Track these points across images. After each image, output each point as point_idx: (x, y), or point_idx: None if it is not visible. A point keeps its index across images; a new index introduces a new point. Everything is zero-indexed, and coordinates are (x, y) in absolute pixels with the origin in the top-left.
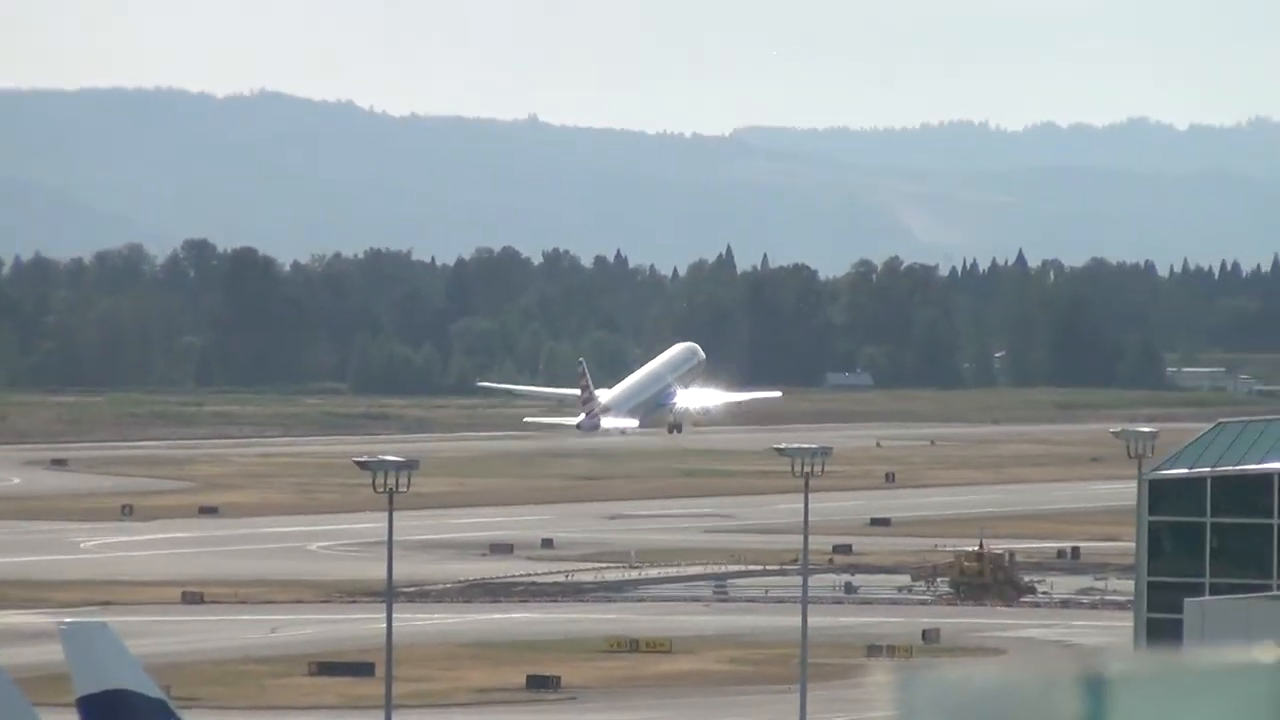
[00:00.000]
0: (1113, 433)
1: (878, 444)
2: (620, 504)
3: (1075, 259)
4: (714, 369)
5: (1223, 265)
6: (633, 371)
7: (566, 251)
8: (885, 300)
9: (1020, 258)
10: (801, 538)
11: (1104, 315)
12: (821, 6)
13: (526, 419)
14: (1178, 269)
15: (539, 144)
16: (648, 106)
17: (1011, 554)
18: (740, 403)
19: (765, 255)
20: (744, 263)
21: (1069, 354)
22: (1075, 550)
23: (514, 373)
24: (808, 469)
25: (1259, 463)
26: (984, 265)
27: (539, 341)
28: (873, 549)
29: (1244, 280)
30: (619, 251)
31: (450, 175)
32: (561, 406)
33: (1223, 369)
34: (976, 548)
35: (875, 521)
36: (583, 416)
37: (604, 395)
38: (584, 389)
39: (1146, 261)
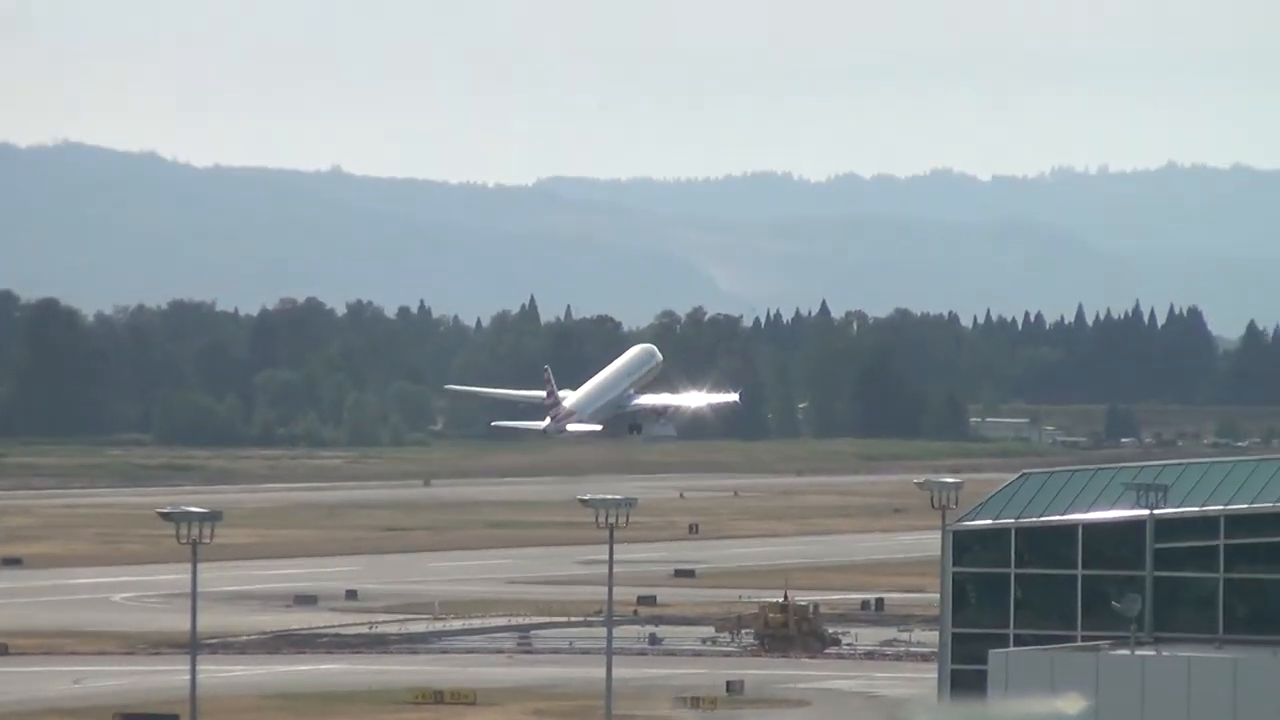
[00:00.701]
0: (917, 483)
1: (681, 495)
2: (424, 555)
3: (879, 309)
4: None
5: (1026, 316)
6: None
7: (370, 302)
8: (689, 351)
9: (824, 308)
10: (606, 589)
11: (908, 366)
12: (624, 57)
13: (494, 423)
14: (981, 319)
15: (342, 194)
16: (451, 157)
17: (816, 605)
18: (703, 406)
19: (569, 306)
20: (548, 313)
21: (873, 404)
22: (880, 601)
23: (317, 424)
24: (612, 520)
25: (1063, 514)
26: (787, 316)
27: (343, 392)
28: (677, 600)
29: (1047, 331)
30: (422, 302)
31: (254, 226)
32: (524, 410)
33: (1026, 419)
34: (781, 599)
35: (680, 573)
36: (549, 420)
37: (568, 400)
38: (550, 394)
39: (950, 312)
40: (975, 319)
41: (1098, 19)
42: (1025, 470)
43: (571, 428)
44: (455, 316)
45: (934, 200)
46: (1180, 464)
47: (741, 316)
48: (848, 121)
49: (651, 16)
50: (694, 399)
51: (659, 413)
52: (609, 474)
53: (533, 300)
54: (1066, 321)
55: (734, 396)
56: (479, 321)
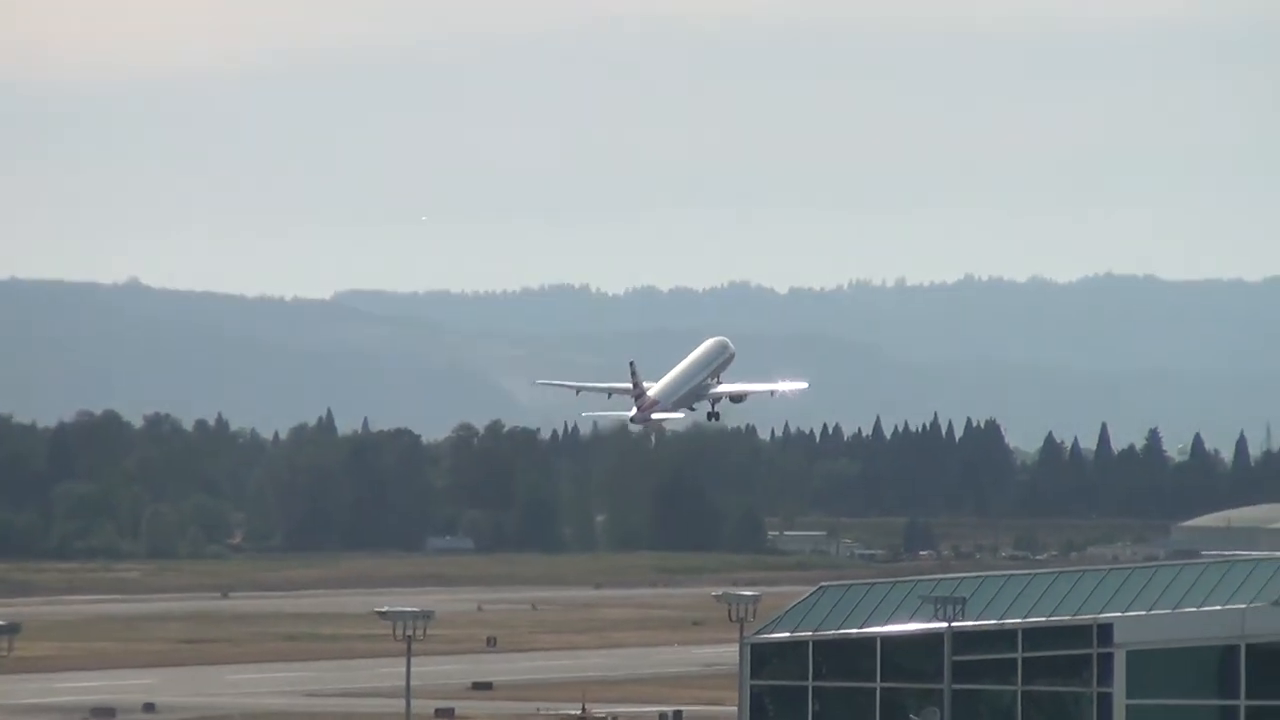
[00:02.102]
0: (714, 596)
1: (479, 608)
2: (223, 667)
3: (677, 422)
4: (314, 533)
5: (824, 428)
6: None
7: (168, 415)
8: (487, 464)
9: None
10: (404, 701)
11: (706, 479)
12: (419, 170)
13: (585, 414)
14: (779, 432)
15: (140, 307)
16: (249, 270)
17: (614, 718)
18: (770, 392)
19: (366, 419)
20: (345, 426)
21: (671, 517)
22: (678, 714)
23: (115, 537)
24: (409, 632)
25: (861, 626)
26: (585, 429)
27: (141, 505)
28: (475, 713)
29: (845, 443)
30: (220, 415)
31: (51, 338)
32: (612, 400)
33: (824, 532)
34: (579, 712)
35: (477, 685)
36: (635, 410)
37: (652, 390)
38: (636, 385)
39: (748, 424)
40: (773, 432)
41: (893, 135)
42: (823, 583)
43: (656, 416)
44: (253, 430)
45: (732, 312)
46: (978, 576)
47: (539, 429)
48: (645, 234)
49: (449, 130)
50: (766, 386)
51: (735, 399)
52: (407, 587)
53: (330, 413)
54: (864, 434)
55: (803, 384)
56: (276, 434)
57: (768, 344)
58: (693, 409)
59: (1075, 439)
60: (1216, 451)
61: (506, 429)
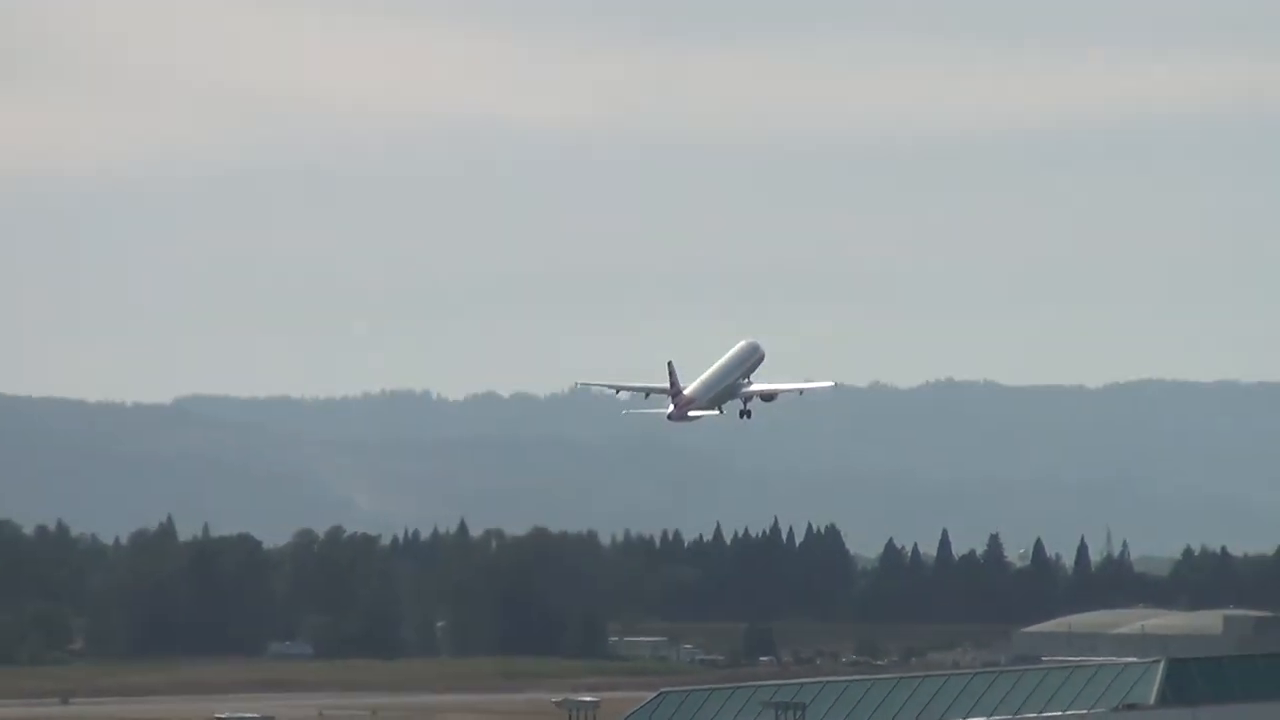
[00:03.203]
0: (554, 702)
1: (320, 714)
2: None
3: (518, 528)
4: (155, 638)
5: (664, 534)
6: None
7: (7, 520)
8: (327, 569)
9: (462, 526)
10: None
11: (547, 584)
12: (255, 275)
13: (625, 411)
14: (620, 538)
15: None
16: (89, 374)
17: None
18: (799, 390)
19: (206, 524)
20: (186, 532)
21: (512, 623)
22: None
23: None
24: None
25: None
26: (426, 534)
27: None
28: None
29: (686, 549)
30: (60, 520)
31: None
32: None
33: (665, 638)
34: None
35: None
36: (672, 408)
37: (689, 389)
38: (673, 384)
39: (589, 530)
40: (614, 537)
41: (721, 231)
42: (664, 689)
43: (693, 413)
44: (94, 535)
45: (573, 418)
46: (819, 682)
47: (380, 536)
48: (487, 340)
49: (289, 236)
50: (795, 385)
51: (766, 398)
52: (247, 692)
53: (170, 519)
54: (705, 539)
55: (829, 384)
56: (117, 540)
57: (609, 450)
58: (721, 410)
59: (915, 545)
60: (1057, 557)
61: (347, 535)
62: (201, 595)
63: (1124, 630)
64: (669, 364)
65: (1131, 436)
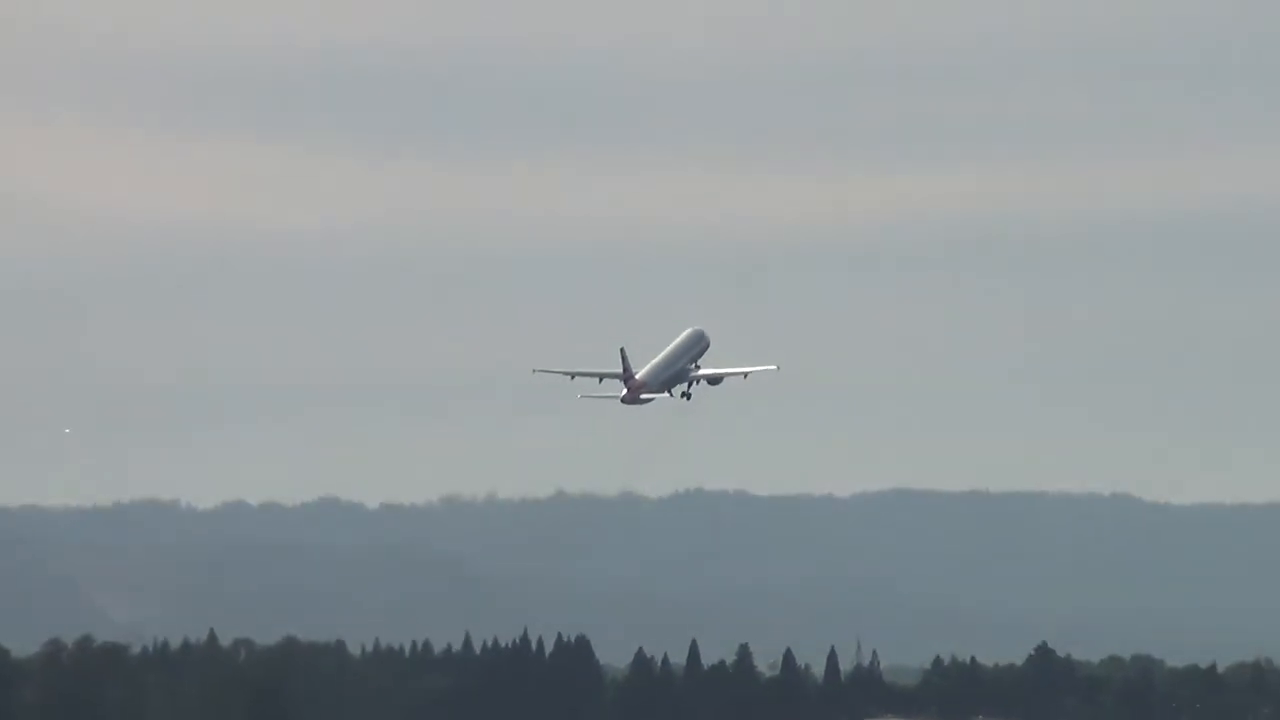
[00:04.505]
0: None
1: None
2: None
3: (267, 637)
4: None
5: (414, 644)
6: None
7: None
8: (77, 680)
9: (212, 635)
10: None
11: (297, 694)
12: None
13: (582, 395)
14: (370, 647)
15: None
16: None
17: None
18: (744, 374)
19: None
20: None
21: None
22: None
23: None
24: None
25: None
26: (175, 643)
27: None
28: None
29: (435, 658)
30: None
31: None
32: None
33: None
34: None
35: None
36: (625, 391)
37: (639, 374)
38: (626, 369)
39: (338, 639)
40: (364, 647)
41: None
42: None
43: (644, 396)
44: None
45: (322, 527)
46: None
47: (130, 645)
48: (236, 449)
49: (41, 344)
50: (740, 369)
51: (713, 381)
52: None
53: None
54: (454, 649)
55: (773, 367)
56: None
57: (358, 559)
58: (675, 394)
59: (665, 655)
60: (807, 666)
61: (97, 644)
62: None
63: None
64: (621, 350)
65: (881, 546)
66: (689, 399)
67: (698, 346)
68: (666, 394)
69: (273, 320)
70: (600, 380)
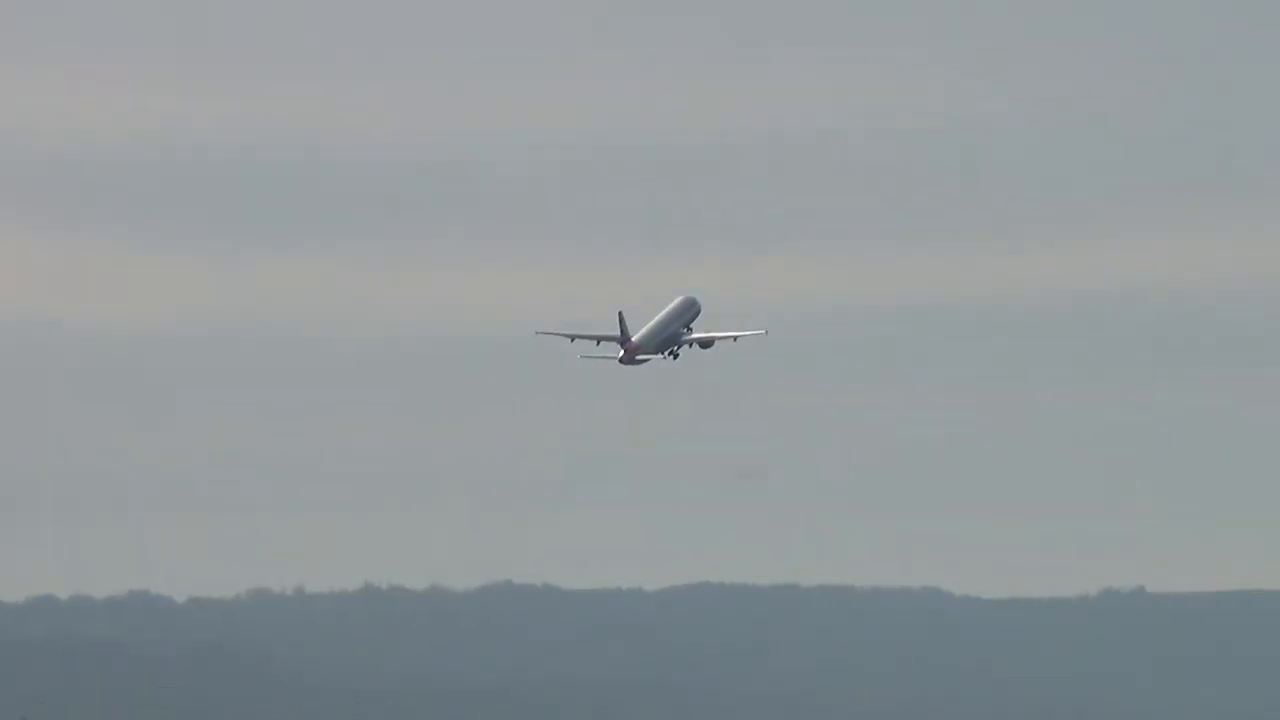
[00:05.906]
0: None
1: None
2: None
3: None
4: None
5: None
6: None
7: None
8: None
9: None
10: None
11: None
12: None
13: (582, 355)
14: None
15: None
16: None
17: None
18: (734, 337)
19: None
20: None
21: None
22: None
23: None
24: None
25: None
26: None
27: None
28: None
29: None
30: None
31: None
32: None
33: None
34: None
35: None
36: (622, 353)
37: (636, 336)
38: (623, 332)
39: None
40: None
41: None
42: None
43: (640, 357)
44: None
45: (130, 623)
46: None
47: None
48: (45, 541)
49: None
50: (729, 333)
51: (704, 345)
52: None
53: None
54: None
55: (762, 331)
56: None
57: (166, 656)
58: (665, 355)
59: None
60: None
61: None
62: None
63: None
64: (619, 313)
65: (691, 639)
66: (676, 358)
67: (690, 311)
68: (662, 355)
69: (88, 414)
70: (598, 343)
